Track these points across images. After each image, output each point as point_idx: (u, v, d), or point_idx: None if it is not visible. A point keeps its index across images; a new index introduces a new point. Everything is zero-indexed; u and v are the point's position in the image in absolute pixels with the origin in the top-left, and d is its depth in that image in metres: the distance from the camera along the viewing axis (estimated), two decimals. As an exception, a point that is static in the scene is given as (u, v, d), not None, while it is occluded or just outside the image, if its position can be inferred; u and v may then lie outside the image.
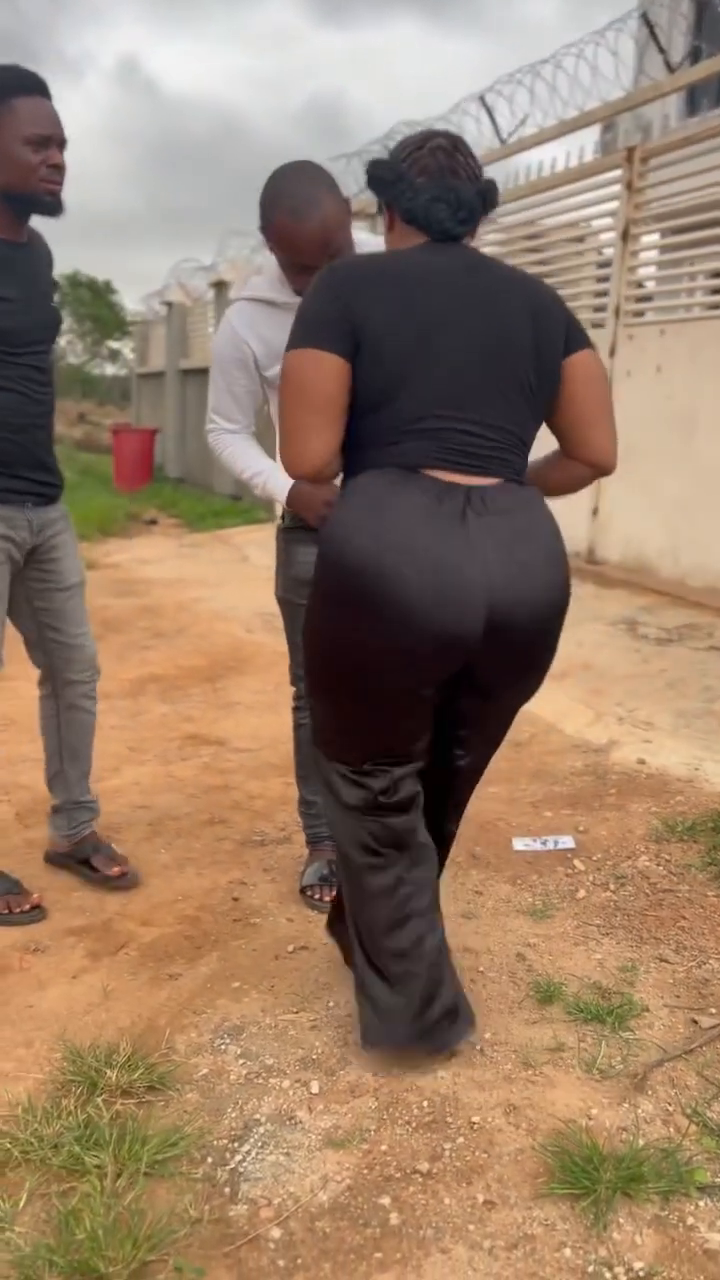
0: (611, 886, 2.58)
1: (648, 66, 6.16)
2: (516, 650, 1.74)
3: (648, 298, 5.99)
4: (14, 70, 2.13)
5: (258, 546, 8.74)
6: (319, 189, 2.20)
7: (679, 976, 2.16)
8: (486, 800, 3.01)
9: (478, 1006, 2.02)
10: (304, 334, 1.72)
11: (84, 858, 2.62)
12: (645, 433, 5.50)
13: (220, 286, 11.41)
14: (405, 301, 1.70)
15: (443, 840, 2.01)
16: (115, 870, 2.62)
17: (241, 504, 11.30)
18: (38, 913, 2.41)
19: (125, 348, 37.79)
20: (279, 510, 2.49)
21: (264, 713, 4.08)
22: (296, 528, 2.44)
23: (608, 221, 5.85)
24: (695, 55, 8.52)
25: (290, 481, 2.22)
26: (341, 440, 1.75)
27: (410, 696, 1.74)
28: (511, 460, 1.76)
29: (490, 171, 6.57)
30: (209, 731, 3.84)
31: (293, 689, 2.64)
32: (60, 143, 2.18)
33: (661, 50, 5.58)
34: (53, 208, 2.22)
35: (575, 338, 1.81)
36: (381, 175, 1.77)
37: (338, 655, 1.75)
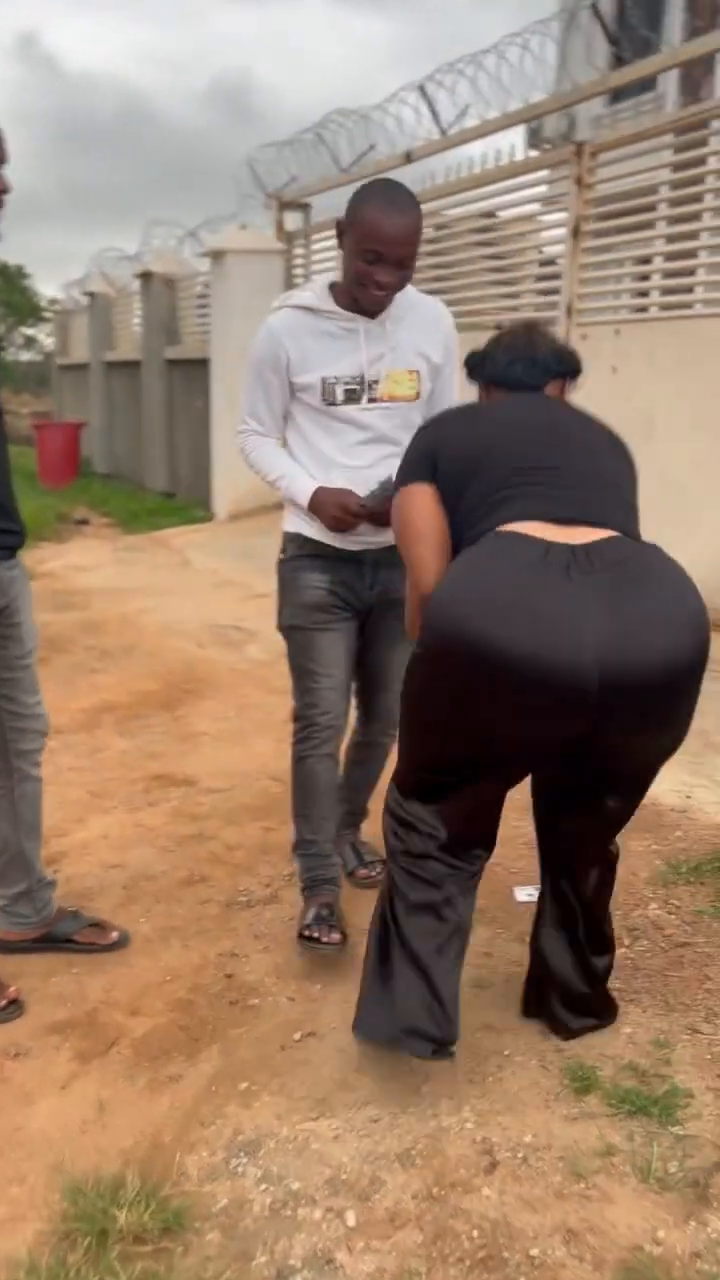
0: (625, 941, 2.46)
1: (589, 57, 6.03)
2: (637, 710, 1.68)
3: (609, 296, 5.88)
4: None
5: (199, 549, 8.49)
6: (414, 201, 2.26)
7: (716, 1051, 2.03)
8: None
9: (510, 1098, 1.88)
10: (400, 477, 2.04)
11: (64, 936, 2.41)
12: (602, 434, 5.40)
13: (147, 278, 11.05)
14: (474, 419, 2.01)
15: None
16: (111, 938, 2.42)
17: (176, 501, 11.00)
18: (15, 1008, 2.20)
19: (41, 334, 36.81)
20: (290, 524, 2.49)
21: (230, 744, 3.88)
22: (302, 556, 2.45)
23: (558, 217, 5.71)
24: (616, 43, 8.45)
25: (313, 485, 2.34)
26: (449, 559, 1.89)
27: (524, 758, 1.86)
28: (616, 513, 1.83)
29: (432, 164, 6.22)
30: (176, 769, 3.63)
31: (295, 722, 2.54)
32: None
33: (614, 43, 5.46)
34: None
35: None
36: (472, 362, 2.11)
37: (449, 720, 1.80)
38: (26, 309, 37.94)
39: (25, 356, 38.82)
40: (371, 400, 2.34)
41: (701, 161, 5.03)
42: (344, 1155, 1.78)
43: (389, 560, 2.40)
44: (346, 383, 2.32)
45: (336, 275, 2.37)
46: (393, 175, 7.75)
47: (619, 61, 6.12)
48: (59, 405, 17.32)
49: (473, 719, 1.75)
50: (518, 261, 6.48)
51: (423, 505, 1.95)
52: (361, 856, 2.86)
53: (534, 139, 13.81)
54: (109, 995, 2.28)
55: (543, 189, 6.29)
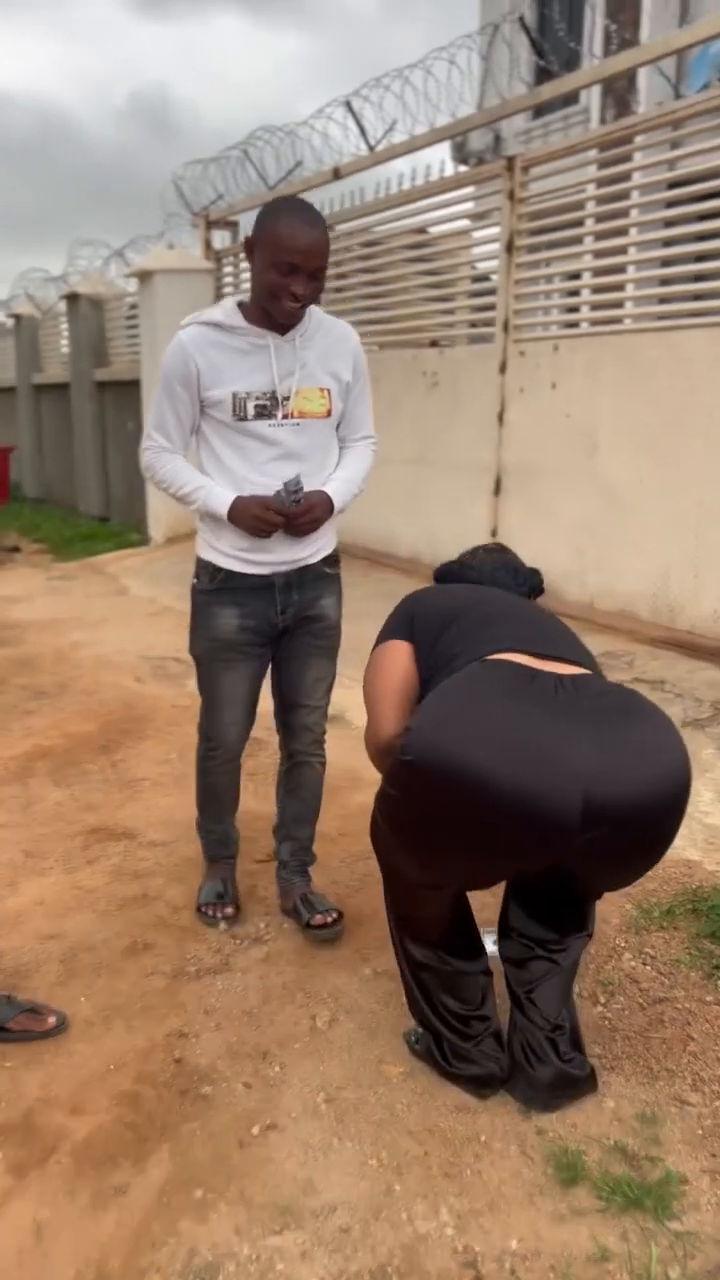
0: (601, 999, 2.32)
1: (514, 71, 5.97)
2: (619, 839, 1.67)
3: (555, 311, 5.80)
4: None
5: (135, 575, 8.26)
6: (322, 218, 2.28)
7: (707, 1125, 1.90)
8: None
9: (492, 1194, 1.72)
10: (380, 637, 2.18)
11: (-6, 1026, 2.21)
12: (543, 452, 5.30)
13: (73, 299, 10.77)
14: (452, 590, 2.21)
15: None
16: (48, 1023, 2.23)
17: (111, 525, 10.73)
18: (-58, 1114, 1.99)
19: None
20: (203, 550, 2.51)
21: (172, 789, 3.69)
22: (219, 589, 2.47)
23: (492, 232, 5.62)
24: (542, 55, 8.44)
25: (230, 495, 2.35)
26: (406, 717, 1.97)
27: (496, 873, 1.93)
28: (588, 660, 1.92)
29: (360, 180, 5.97)
30: (115, 821, 3.42)
31: (199, 736, 2.75)
32: None
33: (541, 55, 5.39)
34: None
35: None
36: (448, 571, 2.37)
37: (426, 841, 1.77)
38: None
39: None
40: (284, 416, 2.34)
41: (627, 177, 4.98)
42: (313, 1278, 1.61)
43: (300, 581, 2.51)
44: (258, 398, 2.32)
45: (244, 295, 2.40)
46: (321, 191, 7.65)
47: (544, 74, 6.07)
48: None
49: (450, 843, 1.72)
50: (452, 278, 6.38)
51: (397, 659, 2.08)
52: (314, 905, 2.71)
53: (460, 153, 13.84)
54: (47, 1091, 2.08)
55: (471, 204, 6.20)
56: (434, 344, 6.88)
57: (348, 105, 6.41)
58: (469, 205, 6.31)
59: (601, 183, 5.07)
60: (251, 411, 2.32)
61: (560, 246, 5.38)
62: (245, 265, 8.78)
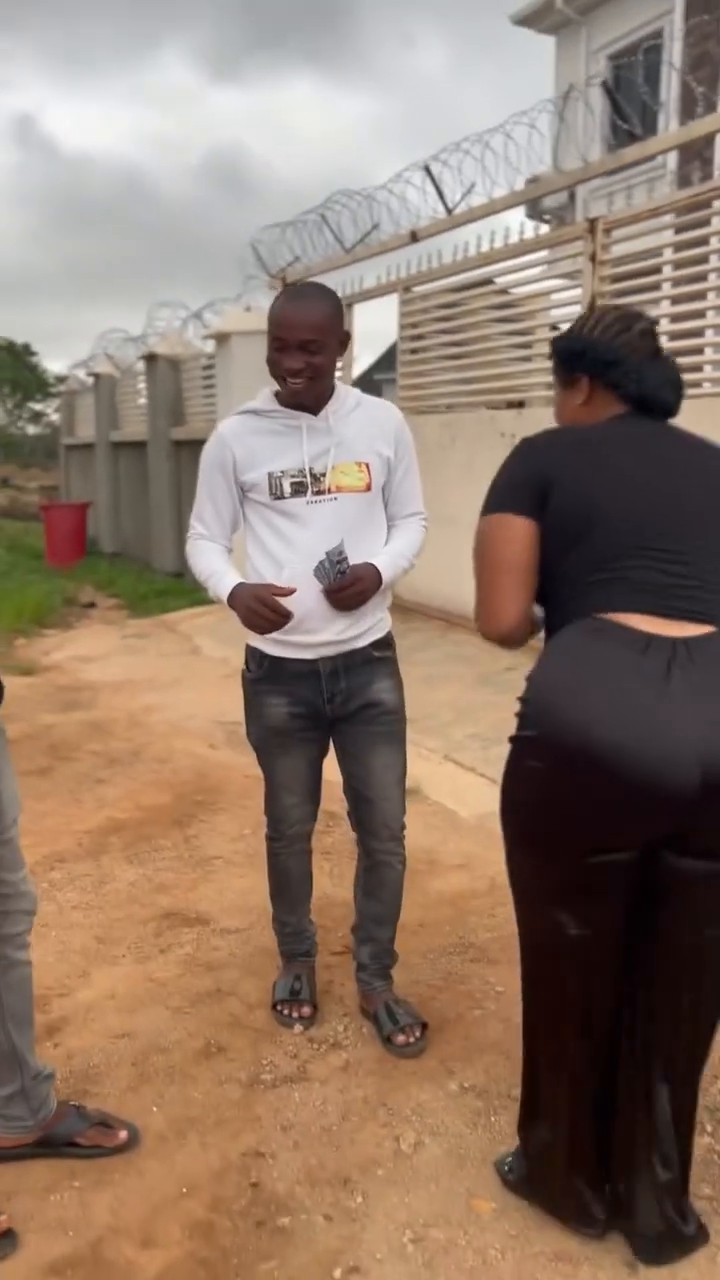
0: (709, 1127, 2.14)
1: (597, 131, 5.92)
2: None
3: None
4: None
5: (208, 634, 8.26)
6: (322, 294, 2.34)
7: None
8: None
9: None
10: (496, 499, 1.81)
11: (65, 1139, 2.10)
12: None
13: (152, 360, 11.00)
14: (596, 455, 1.77)
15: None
16: (119, 1139, 2.12)
17: (184, 582, 10.80)
18: (7, 1243, 1.88)
19: (48, 408, 37.22)
20: (249, 637, 2.46)
21: (247, 869, 3.59)
22: (260, 677, 2.46)
23: (573, 293, 5.55)
24: (626, 119, 8.40)
25: (234, 581, 2.34)
26: (531, 602, 1.81)
27: (612, 859, 1.66)
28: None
29: (437, 242, 6.02)
30: (188, 904, 3.33)
31: (266, 819, 2.68)
32: None
33: (625, 119, 5.36)
34: None
35: None
36: (600, 356, 1.83)
37: (542, 817, 1.68)
38: (33, 385, 38.44)
39: (32, 430, 39.29)
40: (320, 492, 2.33)
41: (706, 240, 4.87)
42: None
43: (348, 666, 2.43)
44: (293, 476, 2.33)
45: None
46: (398, 254, 7.68)
47: (626, 133, 6.02)
48: (65, 484, 17.30)
49: (566, 815, 1.65)
50: (531, 339, 6.32)
51: (518, 538, 1.78)
52: (396, 1018, 2.56)
53: (534, 209, 13.89)
54: (117, 1217, 1.96)
55: (542, 267, 6.15)
56: (511, 405, 6.81)
57: (426, 169, 6.43)
58: (541, 267, 6.26)
59: (681, 246, 4.97)
60: (288, 489, 2.33)
61: (648, 309, 5.28)
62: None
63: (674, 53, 11.17)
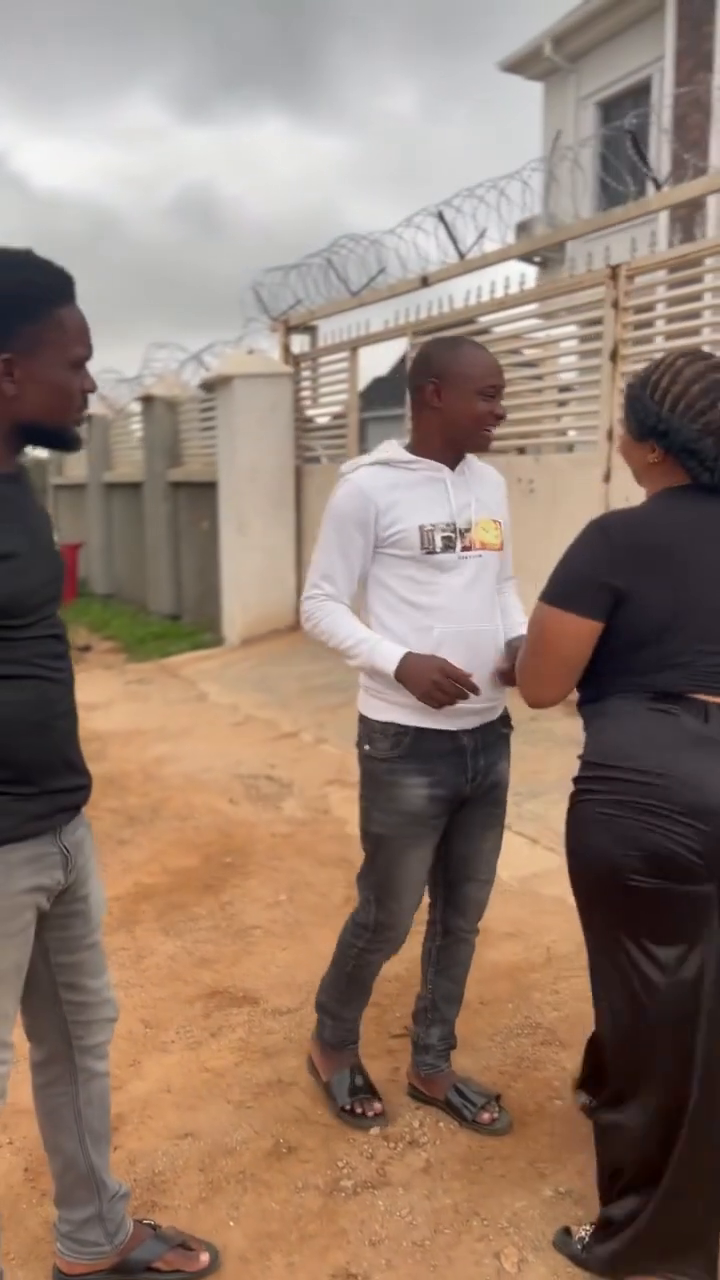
0: None
1: (622, 181, 5.94)
2: None
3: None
4: (56, 271, 1.58)
5: (213, 680, 8.11)
6: None
7: None
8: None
9: None
10: (563, 593, 1.82)
11: (143, 1264, 1.94)
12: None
13: (148, 401, 10.91)
14: (670, 563, 1.77)
15: None
16: (200, 1262, 1.96)
17: (182, 625, 10.67)
18: None
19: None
20: (379, 710, 2.24)
21: (288, 941, 3.43)
22: (400, 755, 2.21)
23: (595, 344, 5.51)
24: (647, 164, 8.41)
25: (400, 650, 2.13)
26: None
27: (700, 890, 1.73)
28: None
29: (450, 287, 5.87)
30: (233, 981, 3.17)
31: (362, 927, 2.41)
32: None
33: (646, 166, 5.34)
34: (77, 441, 1.68)
35: None
36: (678, 442, 1.80)
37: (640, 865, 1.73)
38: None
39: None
40: (466, 548, 2.21)
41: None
42: None
43: (484, 743, 2.28)
44: (443, 530, 2.18)
45: (398, 440, 2.33)
46: (407, 299, 7.65)
47: (652, 181, 6.01)
48: (55, 525, 17.13)
49: (665, 860, 1.71)
50: (548, 385, 6.27)
51: (583, 638, 1.82)
52: (471, 1098, 2.45)
53: (524, 255, 14.00)
54: None
55: (561, 313, 6.11)
56: (521, 451, 6.75)
57: (439, 215, 6.40)
58: (531, 309, 6.23)
59: (715, 291, 4.94)
60: (439, 543, 2.17)
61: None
62: (324, 370, 8.80)
63: (665, 92, 11.33)
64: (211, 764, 5.65)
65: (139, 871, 4.08)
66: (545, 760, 5.05)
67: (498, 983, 3.12)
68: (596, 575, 1.79)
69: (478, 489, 2.28)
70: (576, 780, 1.85)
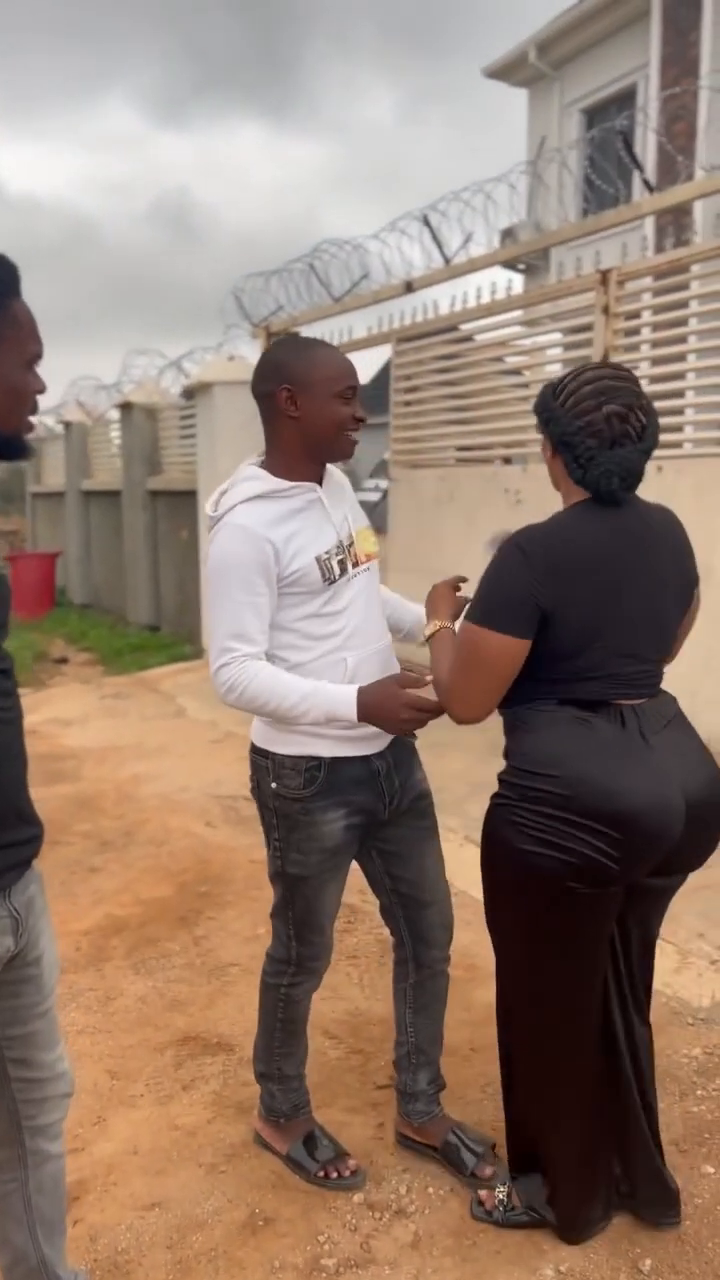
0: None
1: (615, 186, 5.80)
2: (705, 831, 1.91)
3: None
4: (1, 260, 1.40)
5: (192, 694, 7.91)
6: None
7: None
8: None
9: None
10: (489, 614, 1.83)
11: None
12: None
13: (127, 408, 10.71)
14: (588, 580, 1.81)
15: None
16: None
17: (161, 636, 10.46)
18: None
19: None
20: (289, 744, 2.07)
21: (267, 979, 3.24)
22: (317, 791, 2.07)
23: (584, 352, 5.35)
24: (641, 168, 8.29)
25: (349, 690, 1.98)
26: None
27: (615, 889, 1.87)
28: (659, 677, 1.94)
29: (436, 292, 5.66)
30: (207, 1025, 2.97)
31: (281, 964, 2.26)
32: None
33: (639, 166, 5.20)
34: (27, 449, 1.49)
35: (695, 573, 1.98)
36: (563, 432, 1.83)
37: (571, 867, 1.80)
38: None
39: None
40: (355, 564, 2.10)
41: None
42: None
43: (399, 759, 2.18)
44: (336, 554, 2.06)
45: (254, 460, 2.14)
46: (393, 305, 7.50)
47: (644, 183, 5.87)
48: (32, 533, 16.90)
49: (592, 863, 1.80)
50: (532, 394, 6.12)
51: (512, 656, 1.83)
52: (470, 1145, 2.31)
53: (511, 262, 13.88)
54: None
55: (546, 320, 5.97)
56: (507, 461, 6.60)
57: (425, 219, 6.25)
58: (565, 319, 6.08)
59: (705, 298, 4.80)
60: (337, 570, 2.05)
61: (662, 363, 5.09)
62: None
63: (650, 103, 11.24)
64: (189, 783, 5.45)
65: (110, 902, 3.88)
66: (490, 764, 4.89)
67: (489, 1027, 2.89)
68: (519, 596, 1.80)
69: (342, 499, 2.15)
70: (500, 786, 1.92)
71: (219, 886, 4.03)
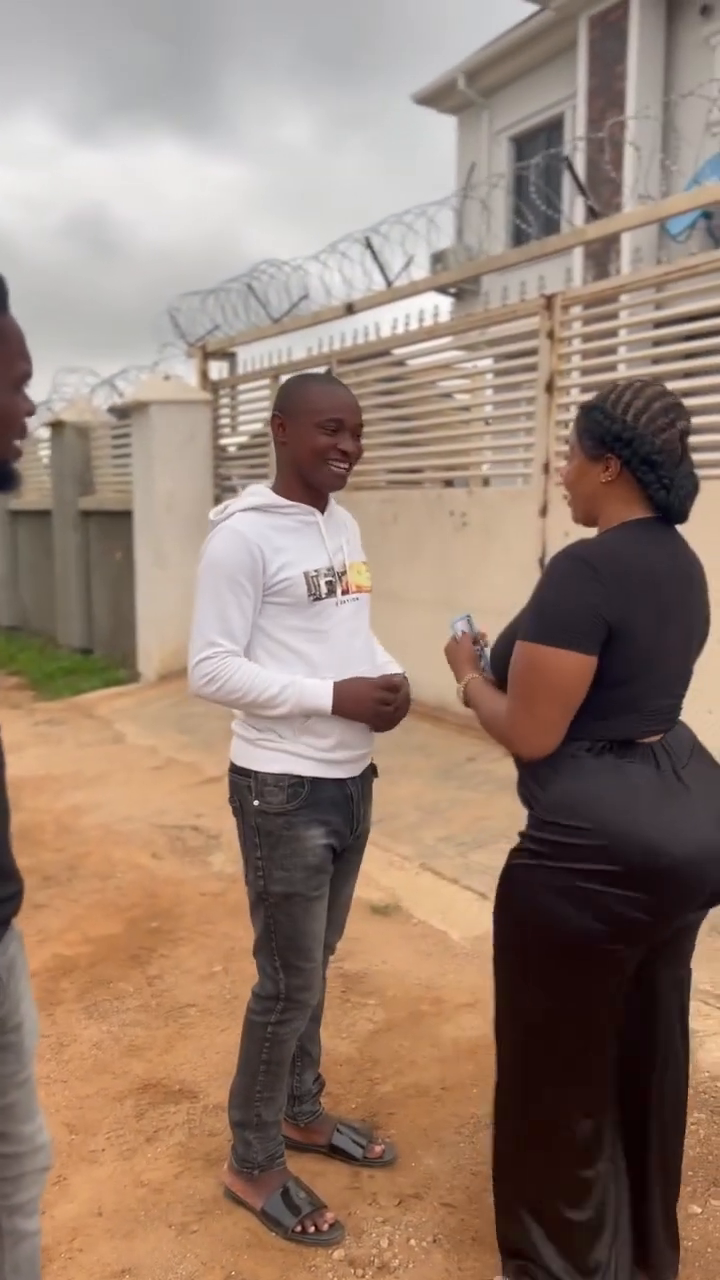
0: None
1: (564, 211, 5.84)
2: None
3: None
4: None
5: (130, 719, 7.73)
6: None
7: None
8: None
9: None
10: (557, 632, 1.71)
11: None
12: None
13: (58, 427, 10.49)
14: (652, 600, 1.74)
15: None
16: None
17: (95, 659, 10.23)
18: None
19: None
20: (271, 762, 2.12)
21: (226, 1019, 3.13)
22: (300, 807, 2.11)
23: (530, 375, 5.38)
24: (586, 194, 8.40)
25: (325, 683, 2.07)
26: None
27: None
28: (680, 710, 1.86)
29: (378, 314, 5.64)
30: (167, 1070, 2.85)
31: (269, 1000, 2.21)
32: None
33: (584, 194, 5.25)
34: (15, 478, 1.40)
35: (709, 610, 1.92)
36: (642, 452, 1.74)
37: (601, 930, 1.71)
38: None
39: None
40: (345, 591, 2.17)
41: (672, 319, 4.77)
42: None
43: (365, 790, 2.28)
44: (325, 575, 2.14)
45: (267, 484, 2.25)
46: (333, 326, 7.46)
47: (590, 211, 5.94)
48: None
49: (627, 925, 1.70)
50: (475, 418, 6.13)
51: (582, 675, 1.72)
52: (357, 1137, 2.47)
53: (444, 287, 13.99)
54: None
55: (465, 345, 6.00)
56: (449, 484, 6.61)
57: (367, 242, 6.24)
58: (452, 340, 6.10)
59: (657, 324, 4.85)
60: (324, 589, 2.13)
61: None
62: (243, 396, 8.56)
63: (578, 126, 11.46)
64: (131, 813, 5.31)
65: (57, 941, 3.73)
66: (489, 805, 4.85)
67: (460, 1063, 2.87)
68: (587, 611, 1.69)
69: (342, 532, 2.25)
70: (524, 840, 1.81)
71: (170, 922, 3.90)
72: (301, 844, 2.12)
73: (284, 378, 7.88)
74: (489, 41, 13.19)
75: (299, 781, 2.11)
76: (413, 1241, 2.18)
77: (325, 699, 2.07)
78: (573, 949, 1.73)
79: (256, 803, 2.13)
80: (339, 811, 2.17)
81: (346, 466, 2.14)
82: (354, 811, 2.21)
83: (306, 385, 2.15)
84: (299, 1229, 2.18)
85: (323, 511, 2.20)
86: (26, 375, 1.34)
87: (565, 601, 1.71)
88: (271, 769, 2.12)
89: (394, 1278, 2.08)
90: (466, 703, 2.01)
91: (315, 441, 2.10)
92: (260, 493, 2.18)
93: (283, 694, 2.06)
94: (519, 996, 1.86)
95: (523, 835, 1.81)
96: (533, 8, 12.03)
